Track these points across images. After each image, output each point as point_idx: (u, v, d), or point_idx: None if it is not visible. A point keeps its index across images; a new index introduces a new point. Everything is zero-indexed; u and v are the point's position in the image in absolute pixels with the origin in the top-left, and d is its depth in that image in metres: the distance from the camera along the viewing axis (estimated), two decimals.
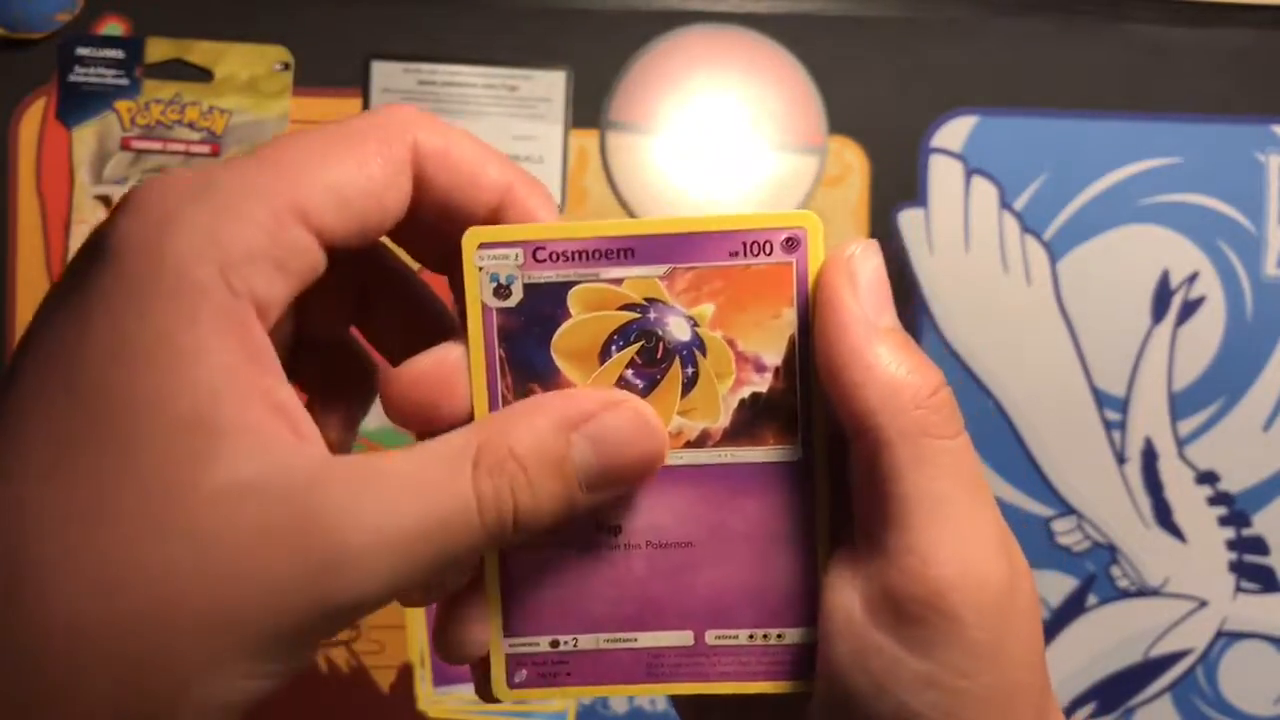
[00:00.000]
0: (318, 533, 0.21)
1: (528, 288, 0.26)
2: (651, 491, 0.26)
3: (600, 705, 0.62)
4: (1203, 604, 0.63)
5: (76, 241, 0.60)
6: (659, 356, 0.26)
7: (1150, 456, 0.63)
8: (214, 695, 0.21)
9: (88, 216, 0.60)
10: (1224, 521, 0.63)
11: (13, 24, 0.59)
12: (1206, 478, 0.63)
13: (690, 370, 0.26)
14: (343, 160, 0.23)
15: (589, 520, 0.26)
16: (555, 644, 0.27)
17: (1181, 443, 0.63)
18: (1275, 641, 0.64)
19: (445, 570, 0.25)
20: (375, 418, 0.64)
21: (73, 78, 0.60)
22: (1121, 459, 0.63)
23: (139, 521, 0.20)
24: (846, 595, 0.25)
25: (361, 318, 0.29)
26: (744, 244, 0.26)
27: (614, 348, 0.26)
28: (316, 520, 0.21)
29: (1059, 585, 0.63)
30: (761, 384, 0.26)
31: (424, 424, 0.26)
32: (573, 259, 0.26)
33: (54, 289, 0.23)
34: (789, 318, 0.26)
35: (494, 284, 0.26)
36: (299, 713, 0.60)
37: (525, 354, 0.26)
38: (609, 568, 0.27)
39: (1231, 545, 0.63)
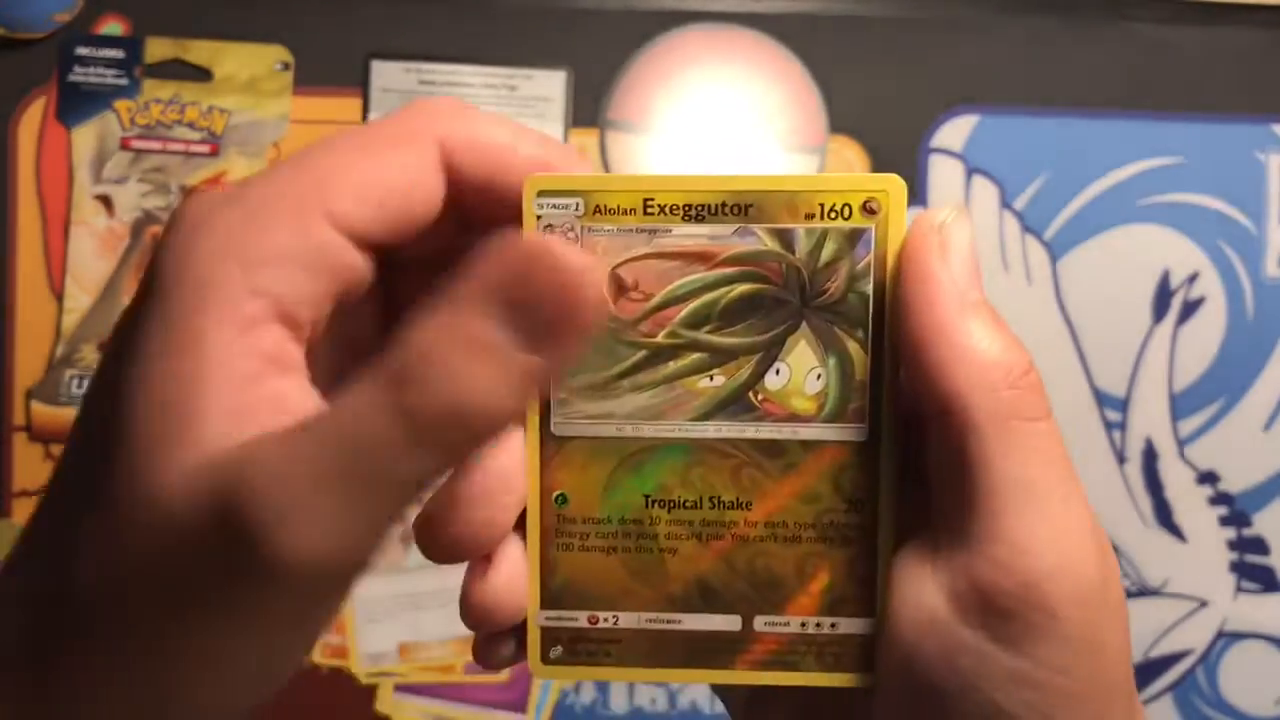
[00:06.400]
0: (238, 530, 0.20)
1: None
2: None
3: (600, 705, 0.62)
4: (1203, 604, 0.63)
5: (76, 241, 0.60)
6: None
7: (1150, 456, 0.63)
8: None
9: (87, 216, 0.60)
10: (1224, 521, 0.63)
11: (12, 24, 0.59)
12: (1207, 478, 0.63)
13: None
14: (370, 160, 0.23)
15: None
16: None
17: (1182, 443, 0.63)
18: (1275, 641, 0.64)
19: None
20: None
21: (72, 77, 0.60)
22: (1122, 459, 0.63)
23: (115, 523, 0.20)
24: (927, 590, 0.23)
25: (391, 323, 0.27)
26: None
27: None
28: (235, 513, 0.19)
29: None
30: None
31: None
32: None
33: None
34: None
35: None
36: (294, 710, 0.60)
37: None
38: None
39: (1232, 545, 0.63)
